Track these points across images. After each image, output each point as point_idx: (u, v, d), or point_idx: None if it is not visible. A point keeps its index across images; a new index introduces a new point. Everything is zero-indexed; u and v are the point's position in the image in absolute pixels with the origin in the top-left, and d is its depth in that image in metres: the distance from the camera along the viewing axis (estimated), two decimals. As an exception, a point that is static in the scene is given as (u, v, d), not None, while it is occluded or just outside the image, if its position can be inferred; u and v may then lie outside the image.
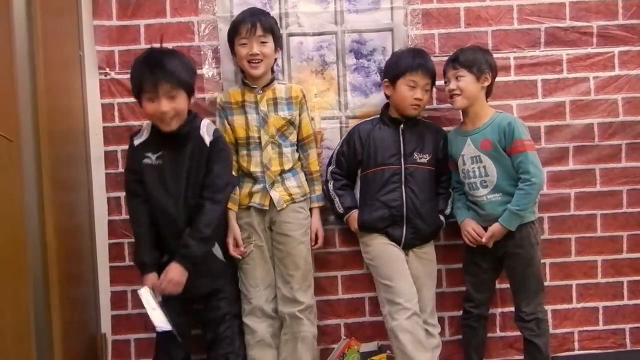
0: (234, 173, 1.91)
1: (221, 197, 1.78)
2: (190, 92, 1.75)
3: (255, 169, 1.92)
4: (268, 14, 1.95)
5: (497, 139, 1.87)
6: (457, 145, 1.98)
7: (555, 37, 2.15)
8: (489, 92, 1.97)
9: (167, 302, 1.74)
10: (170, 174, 1.75)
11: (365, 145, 1.99)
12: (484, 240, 1.90)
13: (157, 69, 1.65)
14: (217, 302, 1.85)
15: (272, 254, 1.98)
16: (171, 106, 1.68)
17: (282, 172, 1.95)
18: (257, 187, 1.93)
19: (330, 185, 2.03)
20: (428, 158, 1.98)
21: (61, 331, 1.68)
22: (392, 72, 1.95)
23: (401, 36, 2.11)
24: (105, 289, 2.09)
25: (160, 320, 1.69)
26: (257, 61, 1.88)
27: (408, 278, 1.91)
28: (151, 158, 1.77)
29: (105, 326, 2.09)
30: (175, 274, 1.70)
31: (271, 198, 1.92)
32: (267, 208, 1.93)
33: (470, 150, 1.92)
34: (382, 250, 1.96)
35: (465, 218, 1.96)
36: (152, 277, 1.75)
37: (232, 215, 1.93)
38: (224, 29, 2.05)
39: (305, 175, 2.02)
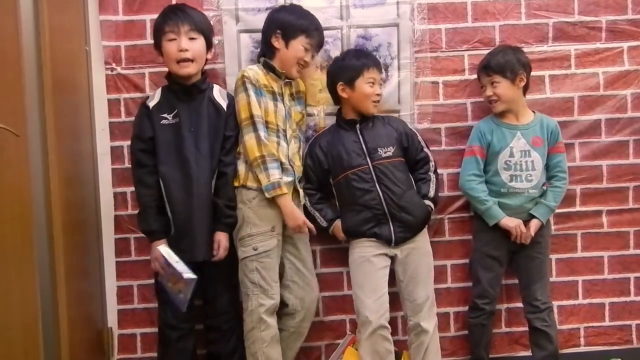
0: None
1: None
2: (208, 42, 1.85)
3: (285, 160, 1.87)
4: None
5: (545, 138, 1.97)
6: (502, 137, 1.98)
7: (563, 32, 2.14)
8: (526, 87, 2.00)
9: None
10: (189, 130, 1.80)
11: (329, 154, 1.97)
12: (530, 233, 1.95)
13: (180, 12, 1.81)
14: (224, 297, 1.88)
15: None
16: (190, 46, 1.78)
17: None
18: (287, 178, 1.86)
19: (307, 202, 2.00)
20: (393, 150, 1.96)
21: (68, 325, 1.69)
22: (347, 73, 1.93)
23: (407, 31, 2.09)
24: (111, 284, 2.10)
25: (186, 270, 1.72)
26: (304, 67, 1.94)
27: (378, 293, 1.90)
28: (168, 118, 1.82)
29: (112, 320, 2.11)
30: (226, 241, 1.82)
31: (298, 193, 1.92)
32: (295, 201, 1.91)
33: (521, 144, 1.96)
34: (360, 261, 1.95)
35: (505, 216, 1.95)
36: (161, 243, 1.81)
37: (290, 200, 1.84)
38: (228, 22, 2.05)
39: None
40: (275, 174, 1.78)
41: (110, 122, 2.08)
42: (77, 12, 2.00)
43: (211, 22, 1.98)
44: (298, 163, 1.94)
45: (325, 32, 2.07)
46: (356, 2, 2.09)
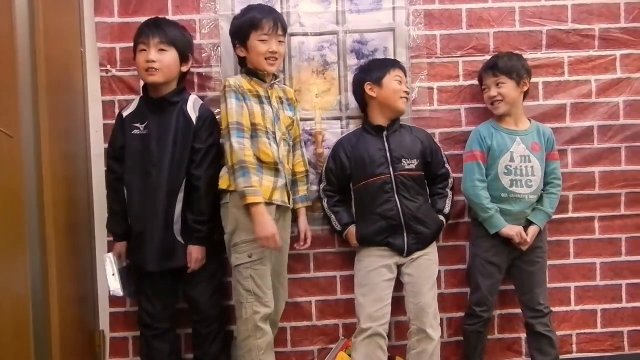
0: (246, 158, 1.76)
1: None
2: (182, 55, 1.89)
3: (277, 162, 1.86)
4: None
5: (543, 144, 2.00)
6: (502, 141, 1.99)
7: (557, 39, 2.16)
8: (526, 94, 2.03)
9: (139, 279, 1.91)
10: (156, 142, 1.85)
11: (352, 159, 1.98)
12: (528, 240, 1.95)
13: (153, 26, 1.88)
14: (204, 302, 1.90)
15: None
16: (159, 57, 1.83)
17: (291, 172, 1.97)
18: (281, 182, 1.85)
19: (325, 203, 2.02)
20: (416, 163, 1.97)
21: (59, 328, 1.68)
22: (374, 73, 1.97)
23: (403, 37, 2.11)
24: (103, 286, 2.08)
25: (114, 286, 1.83)
26: (275, 59, 1.88)
27: (382, 304, 1.91)
28: (139, 128, 1.88)
29: (104, 323, 2.09)
30: (197, 254, 1.84)
31: (289, 196, 1.90)
32: (290, 206, 1.90)
33: (521, 150, 1.98)
34: (368, 270, 1.95)
35: (506, 225, 1.95)
36: (120, 245, 1.93)
37: (264, 210, 1.74)
38: (225, 27, 2.05)
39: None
40: (240, 183, 1.73)
41: (104, 124, 2.07)
42: (72, 14, 2.00)
43: (207, 29, 2.04)
44: (288, 167, 1.93)
45: (322, 38, 2.09)
46: (352, 7, 2.10)
